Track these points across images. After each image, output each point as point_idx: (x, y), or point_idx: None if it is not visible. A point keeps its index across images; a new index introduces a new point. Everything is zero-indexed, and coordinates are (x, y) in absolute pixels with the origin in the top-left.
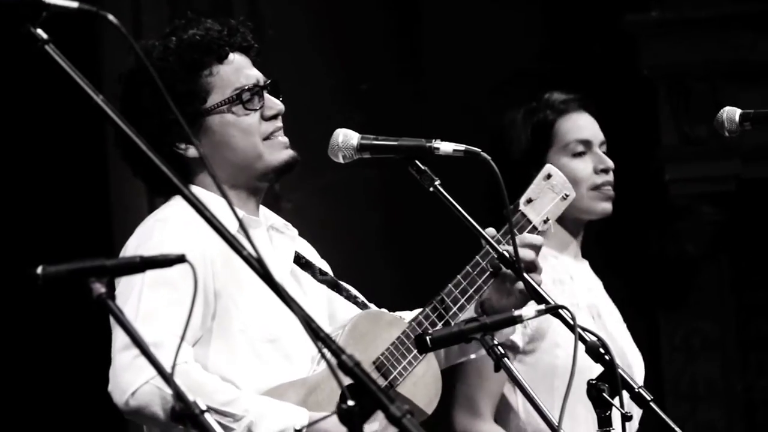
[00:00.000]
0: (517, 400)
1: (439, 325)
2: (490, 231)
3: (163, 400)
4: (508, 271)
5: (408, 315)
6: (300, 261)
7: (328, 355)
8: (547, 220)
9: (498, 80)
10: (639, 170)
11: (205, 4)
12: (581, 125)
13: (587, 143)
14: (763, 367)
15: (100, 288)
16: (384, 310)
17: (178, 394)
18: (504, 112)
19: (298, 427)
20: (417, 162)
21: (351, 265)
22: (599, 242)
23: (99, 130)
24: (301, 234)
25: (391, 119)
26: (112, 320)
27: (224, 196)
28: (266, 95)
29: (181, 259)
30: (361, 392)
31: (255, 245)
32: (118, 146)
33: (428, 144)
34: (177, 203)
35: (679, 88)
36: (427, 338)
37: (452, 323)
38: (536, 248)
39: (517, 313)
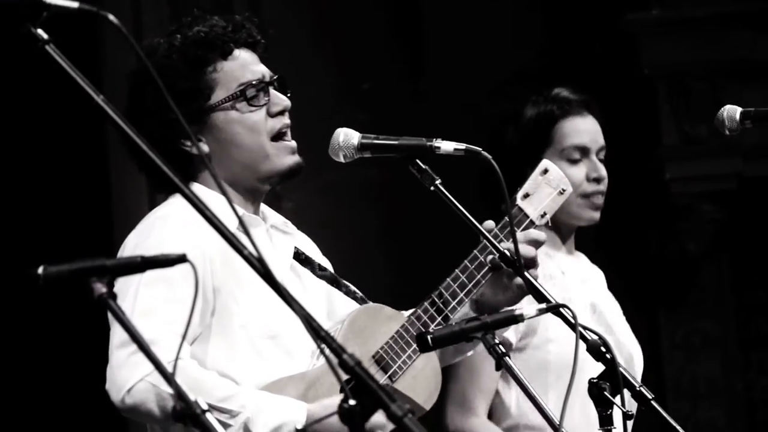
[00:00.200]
0: (511, 396)
1: (438, 320)
2: (489, 224)
3: (158, 397)
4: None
5: (407, 314)
6: (299, 257)
7: (329, 353)
8: (545, 214)
9: (498, 80)
10: (639, 169)
11: (206, 4)
12: (582, 130)
13: (584, 150)
14: (763, 365)
15: (101, 288)
16: (383, 305)
17: (179, 394)
18: (505, 110)
19: (299, 427)
20: (418, 161)
21: (351, 264)
22: (599, 241)
23: (100, 130)
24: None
25: (391, 118)
26: (110, 318)
27: (224, 194)
28: (272, 91)
29: (182, 258)
30: (362, 391)
31: (255, 244)
32: (123, 144)
33: (429, 143)
34: (177, 201)
35: (680, 87)
36: (429, 337)
37: (451, 317)
38: (538, 244)
39: (518, 312)
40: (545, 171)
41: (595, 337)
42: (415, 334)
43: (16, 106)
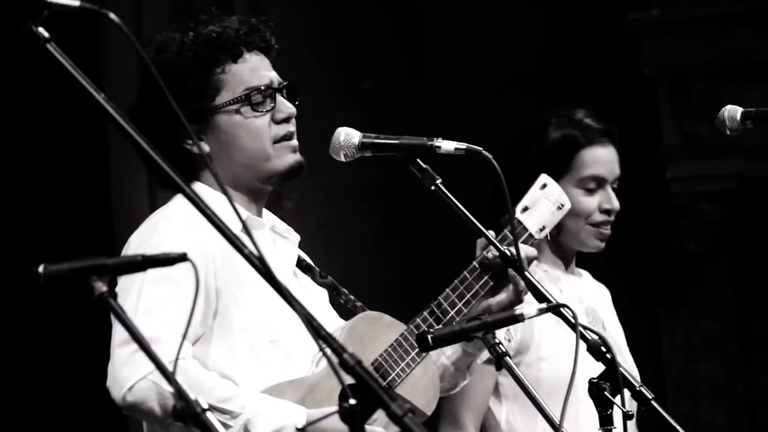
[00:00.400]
0: (501, 412)
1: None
2: (488, 234)
3: (159, 396)
4: (507, 272)
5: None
6: (301, 263)
7: (330, 353)
8: (543, 228)
9: (498, 79)
10: (640, 169)
11: (207, 2)
12: (602, 161)
13: (601, 180)
14: (764, 365)
15: (101, 287)
16: (382, 313)
17: (180, 393)
18: (511, 112)
19: (299, 426)
20: (418, 160)
21: (350, 264)
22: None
23: (100, 128)
24: (300, 233)
25: (391, 118)
26: (112, 316)
27: (226, 194)
28: (279, 98)
29: (182, 257)
30: (362, 391)
31: (256, 243)
32: (127, 142)
33: (429, 142)
34: (181, 200)
35: (680, 87)
36: (429, 336)
37: None
38: (530, 261)
39: (518, 311)
40: (544, 185)
41: (596, 337)
42: (414, 342)
43: (17, 105)
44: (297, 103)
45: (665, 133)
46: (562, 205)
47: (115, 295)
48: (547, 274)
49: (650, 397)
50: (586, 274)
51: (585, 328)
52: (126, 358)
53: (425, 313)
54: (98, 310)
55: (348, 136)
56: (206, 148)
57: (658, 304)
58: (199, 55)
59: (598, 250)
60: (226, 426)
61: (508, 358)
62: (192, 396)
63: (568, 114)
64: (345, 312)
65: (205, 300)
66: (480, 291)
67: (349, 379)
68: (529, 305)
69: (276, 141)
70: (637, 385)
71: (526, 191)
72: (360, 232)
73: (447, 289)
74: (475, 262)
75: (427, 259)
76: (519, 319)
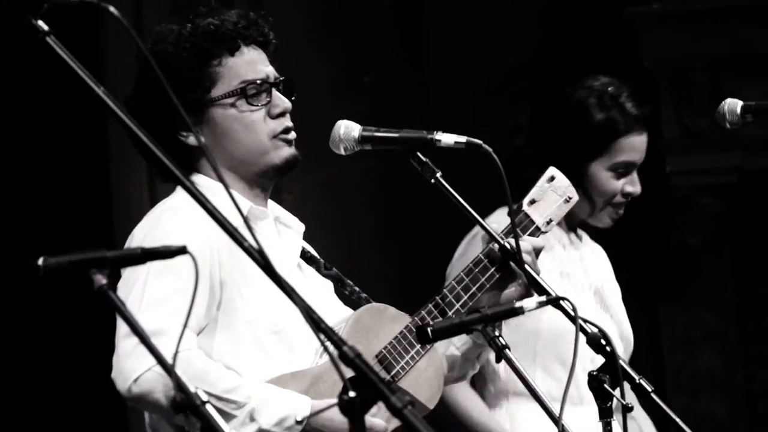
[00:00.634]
0: (499, 364)
1: None
2: (495, 226)
3: (165, 387)
4: (510, 265)
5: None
6: (305, 255)
7: (330, 346)
8: (550, 221)
9: (499, 72)
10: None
11: None
12: (636, 148)
13: (632, 166)
14: (764, 357)
15: (101, 279)
16: (387, 305)
17: (179, 385)
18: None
19: (299, 418)
20: (418, 154)
21: (350, 258)
22: (601, 234)
23: (100, 121)
24: None
25: (392, 111)
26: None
27: (224, 186)
28: (274, 92)
29: (182, 250)
30: (363, 383)
31: (256, 237)
32: (127, 135)
33: (429, 136)
34: (184, 192)
35: (681, 80)
36: (429, 329)
37: None
38: (536, 252)
39: (518, 304)
40: (552, 178)
41: (595, 330)
42: None
43: (17, 98)
44: (293, 98)
45: (665, 126)
46: (570, 198)
47: (114, 288)
48: (564, 251)
49: (650, 389)
50: (585, 236)
51: (585, 320)
52: (131, 350)
53: (430, 305)
54: (100, 303)
55: (348, 129)
56: (202, 139)
57: (658, 297)
58: (196, 47)
59: (607, 227)
60: (231, 416)
61: (507, 350)
62: (192, 388)
63: (611, 93)
64: (350, 304)
65: (209, 291)
66: (486, 284)
67: (350, 374)
68: (530, 298)
69: (273, 136)
70: (636, 378)
71: (550, 162)
72: (360, 225)
73: (452, 282)
74: (480, 255)
75: (427, 252)
76: (519, 311)
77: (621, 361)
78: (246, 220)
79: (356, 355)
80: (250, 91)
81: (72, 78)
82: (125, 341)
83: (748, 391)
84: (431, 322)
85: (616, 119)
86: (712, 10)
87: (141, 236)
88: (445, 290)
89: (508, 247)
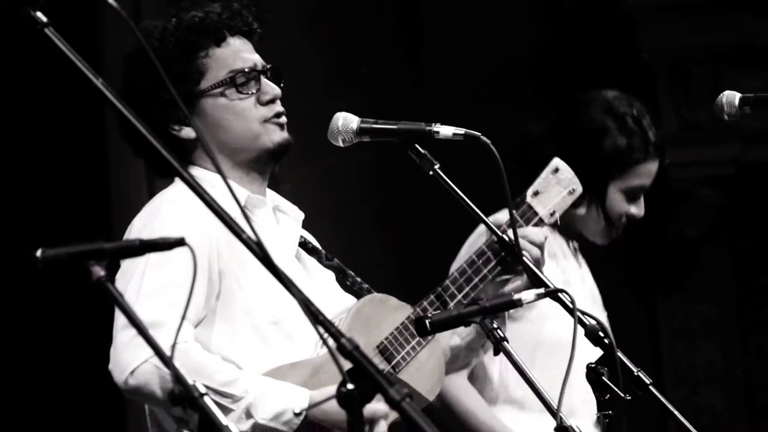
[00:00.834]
0: (494, 368)
1: None
2: (498, 218)
3: (162, 379)
4: (510, 258)
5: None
6: (306, 246)
7: (328, 338)
8: (554, 212)
9: (498, 65)
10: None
11: None
12: (651, 174)
13: (643, 189)
14: (762, 350)
15: (99, 271)
16: (389, 295)
17: (177, 377)
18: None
19: (297, 411)
20: (417, 146)
21: (348, 249)
22: None
23: (99, 113)
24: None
25: (390, 103)
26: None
27: (221, 173)
28: (263, 80)
29: (180, 242)
30: (361, 375)
31: (254, 228)
32: (119, 128)
33: (428, 128)
34: (183, 184)
35: (679, 72)
36: (427, 321)
37: None
38: (538, 244)
39: (516, 296)
40: (556, 170)
41: (594, 323)
42: None
43: (15, 91)
44: (282, 85)
45: (664, 118)
46: (574, 190)
47: (113, 280)
48: (554, 239)
49: (648, 382)
50: (577, 248)
51: (583, 313)
52: (128, 342)
53: (432, 296)
54: (98, 295)
55: (346, 121)
56: (192, 134)
57: (657, 290)
58: (182, 41)
59: (602, 244)
60: (228, 410)
61: (506, 342)
62: (190, 380)
63: (633, 114)
64: (351, 294)
65: (208, 282)
66: (488, 275)
67: (349, 364)
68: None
69: (264, 120)
70: (635, 370)
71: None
72: (358, 216)
73: (455, 273)
74: (483, 246)
75: (425, 243)
76: (517, 303)
77: (619, 353)
78: (243, 211)
79: (354, 347)
80: (239, 80)
81: (70, 70)
82: (123, 333)
83: (746, 383)
84: (430, 315)
85: (638, 146)
86: (710, 1)
87: (139, 227)
88: (447, 281)
89: (507, 239)
